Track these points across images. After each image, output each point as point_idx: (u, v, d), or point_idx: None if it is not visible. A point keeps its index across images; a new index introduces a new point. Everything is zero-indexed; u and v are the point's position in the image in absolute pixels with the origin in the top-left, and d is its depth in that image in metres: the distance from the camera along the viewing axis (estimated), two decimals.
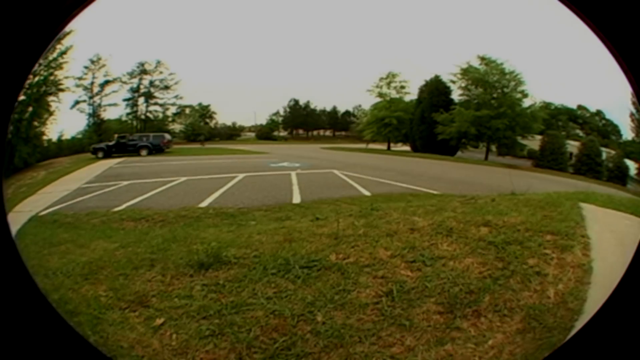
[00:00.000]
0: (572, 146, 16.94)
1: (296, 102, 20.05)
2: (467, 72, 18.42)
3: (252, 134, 19.14)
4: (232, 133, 18.67)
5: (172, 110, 17.16)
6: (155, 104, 16.75)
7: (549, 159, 16.99)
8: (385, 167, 16.09)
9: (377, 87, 20.72)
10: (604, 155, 16.02)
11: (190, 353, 5.01)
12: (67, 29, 3.46)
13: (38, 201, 10.57)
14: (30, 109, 11.59)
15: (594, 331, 3.49)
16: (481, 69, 18.22)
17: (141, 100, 16.51)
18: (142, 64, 16.21)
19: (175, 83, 16.58)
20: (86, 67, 14.34)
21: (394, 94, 20.36)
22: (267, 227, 8.29)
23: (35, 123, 12.26)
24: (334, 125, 21.87)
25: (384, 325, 5.47)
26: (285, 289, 5.90)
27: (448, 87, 18.90)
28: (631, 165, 14.76)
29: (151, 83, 16.41)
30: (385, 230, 7.62)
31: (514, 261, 6.89)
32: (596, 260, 6.98)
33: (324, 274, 6.20)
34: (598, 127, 17.66)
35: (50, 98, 13.03)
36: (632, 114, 13.69)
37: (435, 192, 11.78)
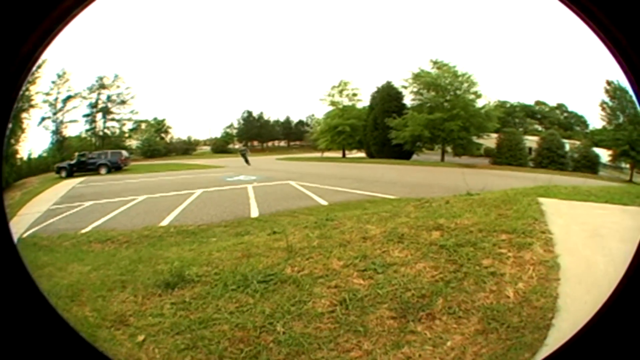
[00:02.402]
0: (531, 141, 17.54)
1: (249, 113, 20.45)
2: (418, 76, 18.88)
3: (208, 148, 19.45)
4: (187, 147, 18.90)
5: (129, 125, 17.34)
6: (113, 119, 16.87)
7: (507, 156, 17.58)
8: (340, 175, 16.32)
9: (329, 95, 21.46)
10: (568, 147, 16.64)
11: None
12: (66, 29, 3.30)
13: (18, 223, 10.84)
14: (9, 126, 11.30)
15: (602, 328, 3.31)
16: (433, 73, 18.66)
17: (99, 116, 16.60)
18: (101, 78, 16.21)
19: (132, 97, 16.75)
20: (53, 82, 14.45)
21: (346, 101, 21.13)
22: (226, 243, 8.58)
23: (12, 141, 12.26)
24: (288, 136, 22.33)
25: (340, 332, 5.69)
26: (245, 304, 6.13)
27: (400, 93, 19.59)
28: (604, 152, 15.57)
29: (109, 98, 16.48)
30: (338, 241, 7.88)
31: (467, 263, 7.06)
32: (564, 255, 7.12)
33: (281, 287, 6.44)
34: (559, 120, 18.45)
35: (23, 115, 13.17)
36: (603, 103, 15.08)
37: (391, 197, 12.19)
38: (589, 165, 15.73)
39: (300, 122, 22.69)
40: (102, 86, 16.10)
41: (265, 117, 20.96)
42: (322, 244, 7.85)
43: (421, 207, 9.82)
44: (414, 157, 19.84)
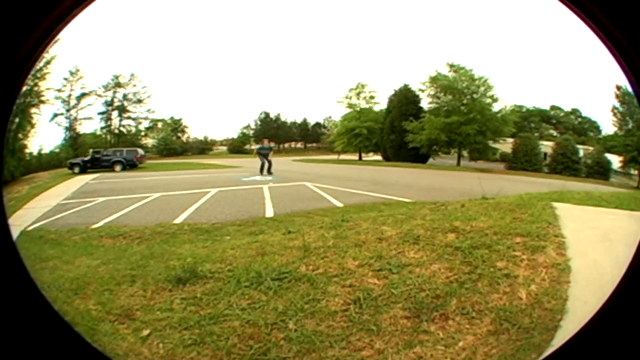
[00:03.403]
0: (546, 146, 17.62)
1: (267, 114, 20.69)
2: (435, 79, 18.96)
3: (224, 148, 19.62)
4: (204, 147, 19.01)
5: (145, 124, 17.46)
6: (129, 117, 17.03)
7: (522, 161, 17.58)
8: (356, 177, 16.27)
9: (346, 97, 21.61)
10: (582, 153, 16.79)
11: None
12: (65, 30, 3.12)
13: (25, 216, 10.91)
14: (17, 120, 11.47)
15: (602, 328, 3.19)
16: (450, 76, 18.71)
17: (115, 114, 16.79)
18: (117, 77, 16.40)
19: (148, 96, 17.01)
20: (65, 79, 14.76)
21: (363, 104, 21.26)
22: (240, 241, 8.48)
23: (20, 135, 12.34)
24: (305, 137, 22.50)
25: (352, 330, 5.56)
26: (258, 300, 6.06)
27: (417, 96, 19.69)
28: (615, 159, 15.69)
29: (125, 96, 16.66)
30: (354, 241, 7.82)
31: (481, 265, 6.90)
32: (575, 259, 7.08)
33: (295, 285, 6.39)
34: (573, 125, 18.70)
35: (33, 110, 13.26)
36: (614, 108, 15.32)
37: (407, 200, 12.13)
38: (602, 172, 15.79)
39: (317, 124, 22.93)
40: (118, 84, 16.34)
41: (283, 119, 21.25)
42: (338, 243, 7.76)
43: (437, 209, 9.65)
44: (430, 160, 19.88)
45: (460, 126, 18.02)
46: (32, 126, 12.62)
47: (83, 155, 15.21)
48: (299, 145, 22.24)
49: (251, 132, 20.73)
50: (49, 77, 12.99)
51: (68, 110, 14.94)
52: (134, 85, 16.74)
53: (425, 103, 19.83)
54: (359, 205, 11.77)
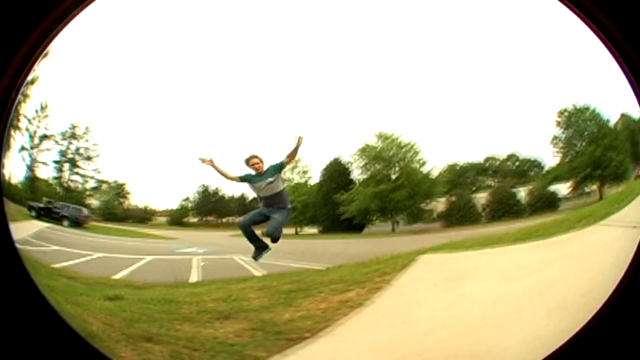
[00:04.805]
0: (483, 197, 18.66)
1: (206, 188, 21.33)
2: (364, 150, 20.34)
3: (164, 219, 19.94)
4: (144, 216, 19.29)
5: (92, 183, 17.41)
6: (77, 173, 16.95)
7: (457, 217, 18.62)
8: (286, 250, 16.72)
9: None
10: (522, 194, 17.58)
11: None
12: (65, 30, 3.69)
13: None
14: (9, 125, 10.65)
15: (601, 328, 3.81)
16: (377, 146, 20.11)
17: (67, 166, 16.65)
18: (74, 126, 16.33)
19: (97, 155, 16.95)
20: (36, 111, 14.06)
21: (297, 178, 22.03)
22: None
23: None
24: (244, 212, 20.91)
25: None
26: None
27: (347, 168, 20.91)
28: (562, 187, 16.47)
29: (77, 150, 16.61)
30: None
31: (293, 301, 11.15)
32: (381, 298, 10.57)
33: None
34: (510, 170, 19.12)
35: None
36: (554, 138, 16.14)
37: (319, 268, 14.19)
38: (547, 205, 16.65)
39: (254, 200, 22.96)
40: (73, 136, 16.15)
41: (221, 193, 21.70)
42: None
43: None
44: (365, 229, 20.62)
45: (389, 194, 19.42)
46: (9, 148, 11.13)
47: (38, 200, 15.30)
48: (238, 220, 20.71)
49: (190, 204, 20.88)
50: (28, 101, 12.12)
51: (32, 148, 14.47)
52: (87, 140, 16.41)
53: (357, 174, 20.80)
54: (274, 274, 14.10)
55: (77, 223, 16.65)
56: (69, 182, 16.99)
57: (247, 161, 11.93)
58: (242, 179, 12.26)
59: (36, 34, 3.43)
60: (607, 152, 15.92)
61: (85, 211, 17.17)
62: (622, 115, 14.64)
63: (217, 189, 21.49)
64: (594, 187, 16.50)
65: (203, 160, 11.67)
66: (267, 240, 12.46)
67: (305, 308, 10.38)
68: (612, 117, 15.54)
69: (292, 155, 12.28)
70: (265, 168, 12.06)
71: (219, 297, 11.24)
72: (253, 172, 12.04)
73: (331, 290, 11.08)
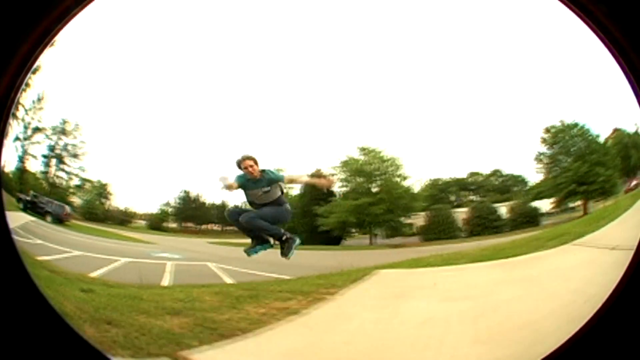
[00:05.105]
0: (463, 212, 18.94)
1: (187, 193, 21.46)
2: (346, 164, 20.55)
3: (143, 222, 20.01)
4: (123, 219, 19.30)
5: (75, 181, 17.57)
6: (63, 170, 17.06)
7: (436, 231, 18.84)
8: (262, 260, 15.59)
9: None
10: (504, 210, 17.80)
11: None
12: (65, 30, 3.71)
13: None
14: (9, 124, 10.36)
15: (601, 328, 3.85)
16: (360, 160, 20.36)
17: (54, 161, 16.76)
18: (64, 122, 16.42)
19: (83, 153, 17.07)
20: (32, 102, 14.31)
21: None
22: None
23: None
24: (223, 220, 20.94)
25: None
26: None
27: None
28: (545, 203, 16.64)
29: (65, 146, 16.72)
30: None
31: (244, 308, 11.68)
32: (318, 309, 11.43)
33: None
34: (494, 186, 19.49)
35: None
36: (539, 155, 16.43)
37: (287, 278, 14.61)
38: (528, 221, 16.87)
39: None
40: (63, 131, 16.15)
41: (202, 199, 21.73)
42: None
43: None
44: (343, 242, 20.87)
45: (369, 207, 19.66)
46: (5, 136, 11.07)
47: (25, 193, 15.53)
48: (217, 227, 22.05)
49: (170, 209, 20.79)
50: (28, 90, 12.05)
51: (25, 139, 14.59)
52: (75, 137, 16.43)
53: (338, 186, 20.91)
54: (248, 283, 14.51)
55: (59, 220, 16.86)
56: (55, 178, 17.13)
57: (240, 163, 10.91)
58: (239, 186, 11.11)
59: (36, 33, 3.49)
60: (594, 167, 16.10)
61: (67, 209, 17.36)
62: (615, 130, 14.98)
63: (197, 195, 21.57)
64: (579, 202, 16.72)
65: (229, 187, 11.02)
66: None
67: (246, 311, 11.02)
68: (602, 133, 15.82)
69: (298, 182, 12.89)
70: (258, 170, 10.98)
71: (178, 298, 11.82)
72: (245, 175, 11.00)
73: (276, 298, 11.86)
